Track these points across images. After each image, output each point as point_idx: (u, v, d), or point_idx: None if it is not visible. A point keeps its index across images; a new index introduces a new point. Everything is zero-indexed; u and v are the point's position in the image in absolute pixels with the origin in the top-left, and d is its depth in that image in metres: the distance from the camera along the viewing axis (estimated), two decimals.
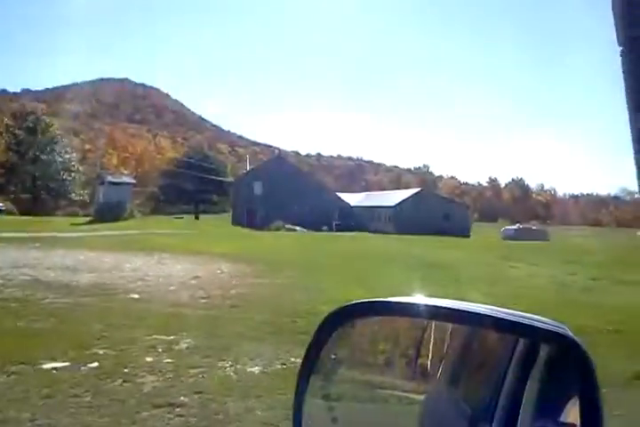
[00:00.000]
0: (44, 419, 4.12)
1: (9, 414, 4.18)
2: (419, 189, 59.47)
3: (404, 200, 50.90)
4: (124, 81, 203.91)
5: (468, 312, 0.93)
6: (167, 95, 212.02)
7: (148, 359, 5.81)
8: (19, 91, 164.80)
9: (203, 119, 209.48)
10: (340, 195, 59.16)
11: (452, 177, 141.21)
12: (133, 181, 49.68)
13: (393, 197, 53.51)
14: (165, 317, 7.91)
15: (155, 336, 6.73)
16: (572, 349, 0.82)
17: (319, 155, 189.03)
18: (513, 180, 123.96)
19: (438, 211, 49.66)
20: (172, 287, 10.51)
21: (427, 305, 1.00)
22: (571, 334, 0.83)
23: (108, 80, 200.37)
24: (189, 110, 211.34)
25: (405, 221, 46.03)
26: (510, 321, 0.89)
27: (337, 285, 11.05)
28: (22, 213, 49.00)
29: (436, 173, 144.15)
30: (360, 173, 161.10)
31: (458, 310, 0.95)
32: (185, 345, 6.45)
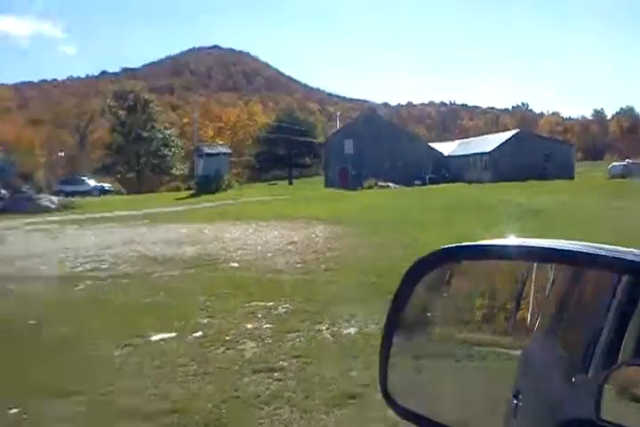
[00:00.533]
0: (155, 389, 4.45)
1: (126, 385, 4.55)
2: (516, 130, 56.31)
3: (500, 145, 48.33)
4: (213, 48, 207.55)
5: (563, 250, 0.89)
6: (256, 59, 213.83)
7: (249, 326, 6.07)
8: (118, 70, 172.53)
9: (292, 79, 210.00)
10: (433, 145, 57.44)
11: (554, 113, 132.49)
12: (229, 151, 50.91)
13: (489, 143, 51.00)
14: (264, 283, 8.19)
15: (254, 303, 7.01)
16: None
17: (410, 103, 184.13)
18: (621, 109, 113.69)
19: (538, 153, 46.76)
20: (269, 254, 10.83)
21: (519, 246, 0.97)
22: None
23: (199, 49, 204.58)
24: (279, 72, 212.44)
25: (503, 167, 43.94)
26: (608, 257, 0.83)
27: (434, 240, 10.88)
28: (129, 192, 52.11)
29: (537, 111, 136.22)
30: (454, 119, 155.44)
31: (552, 249, 0.91)
32: (283, 310, 6.67)
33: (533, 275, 1.04)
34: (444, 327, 1.16)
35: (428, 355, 1.13)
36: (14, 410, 4.13)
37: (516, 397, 0.99)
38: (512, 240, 1.01)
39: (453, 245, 1.03)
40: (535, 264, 1.03)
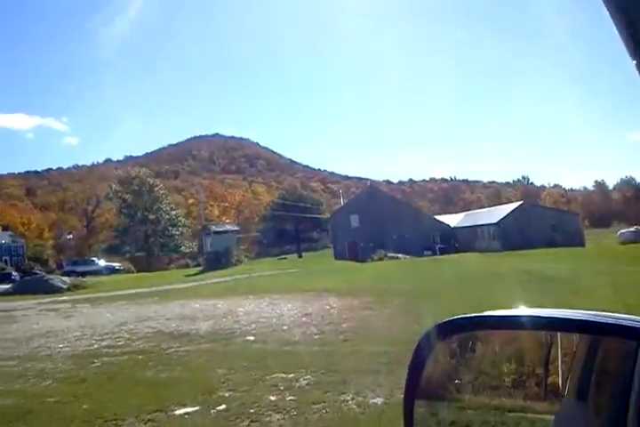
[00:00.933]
0: None
1: None
2: (520, 202, 57.18)
3: (506, 215, 49.01)
4: (215, 136, 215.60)
5: (571, 320, 0.92)
6: (257, 144, 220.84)
7: (272, 398, 5.95)
8: (122, 158, 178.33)
9: (293, 162, 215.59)
10: (438, 217, 58.26)
11: (556, 185, 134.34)
12: (236, 228, 51.83)
13: (494, 214, 51.75)
14: (282, 355, 8.08)
15: (275, 375, 6.89)
16: None
17: (411, 180, 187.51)
18: (622, 180, 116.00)
19: (545, 222, 47.30)
20: (284, 327, 10.73)
21: (530, 316, 0.99)
22: None
23: (200, 137, 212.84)
24: (280, 155, 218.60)
25: (511, 236, 44.28)
26: (628, 327, 0.87)
27: (450, 311, 10.80)
28: (138, 270, 52.39)
29: (538, 184, 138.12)
30: (456, 193, 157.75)
31: (561, 319, 0.94)
32: (305, 382, 6.55)
33: (559, 340, 1.06)
34: (471, 395, 1.14)
35: (455, 421, 1.13)
36: None
37: None
38: (521, 311, 1.03)
39: (463, 315, 1.07)
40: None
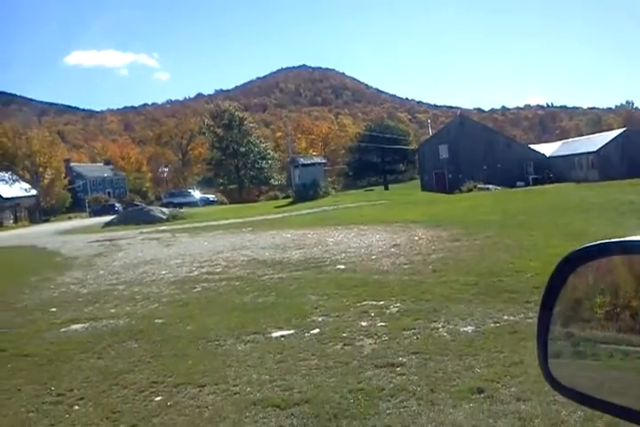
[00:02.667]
0: (281, 381, 4.62)
1: (252, 377, 4.75)
2: (623, 129, 53.17)
3: (607, 143, 45.88)
4: (301, 67, 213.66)
5: None
6: (343, 74, 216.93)
7: (363, 324, 6.14)
8: (212, 92, 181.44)
9: (380, 91, 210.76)
10: (532, 146, 55.57)
11: None
12: (324, 160, 52.11)
13: (594, 142, 48.52)
14: (372, 284, 8.24)
15: (365, 302, 7.08)
16: None
17: (504, 108, 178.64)
18: None
19: None
20: (373, 256, 10.88)
21: None
22: None
23: (288, 69, 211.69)
24: (366, 85, 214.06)
25: (611, 166, 41.61)
26: None
27: (541, 241, 10.50)
28: (231, 202, 54.48)
29: None
30: (553, 121, 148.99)
31: None
32: (395, 309, 6.68)
33: None
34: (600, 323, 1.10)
35: (589, 341, 1.09)
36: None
37: None
38: None
39: (605, 240, 1.02)
40: None
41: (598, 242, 1.04)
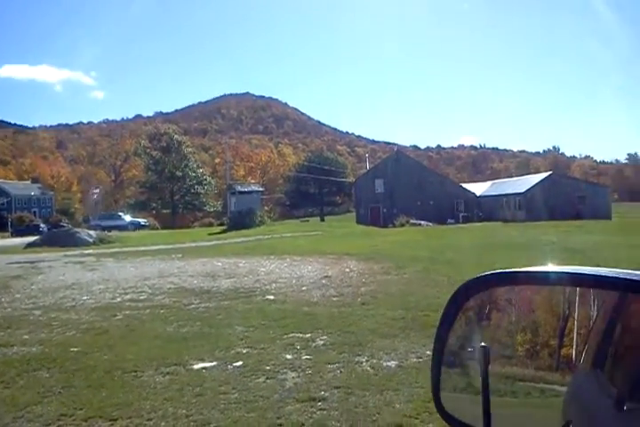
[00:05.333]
0: (198, 415, 4.46)
1: (168, 411, 4.57)
2: (549, 172, 56.23)
3: (533, 186, 48.36)
4: (245, 95, 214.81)
5: (598, 275, 0.91)
6: (286, 104, 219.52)
7: (288, 356, 6.06)
8: (152, 114, 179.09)
9: (321, 123, 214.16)
10: (464, 185, 57.69)
11: (587, 157, 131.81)
12: (261, 189, 52.10)
13: (521, 184, 51.07)
14: (301, 315, 8.18)
15: (292, 334, 7.01)
16: None
17: (439, 147, 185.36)
18: None
19: (572, 194, 46.56)
20: (304, 288, 10.84)
21: (558, 272, 0.99)
22: None
23: (232, 95, 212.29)
24: (308, 117, 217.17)
25: (537, 207, 43.76)
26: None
27: (468, 277, 10.77)
28: (164, 227, 53.25)
29: (569, 154, 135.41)
30: (485, 162, 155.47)
31: (586, 274, 0.93)
32: (321, 342, 6.64)
33: (576, 306, 1.03)
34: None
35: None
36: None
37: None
38: (553, 267, 1.03)
39: (498, 271, 1.07)
40: (577, 295, 1.03)
41: (487, 273, 1.07)
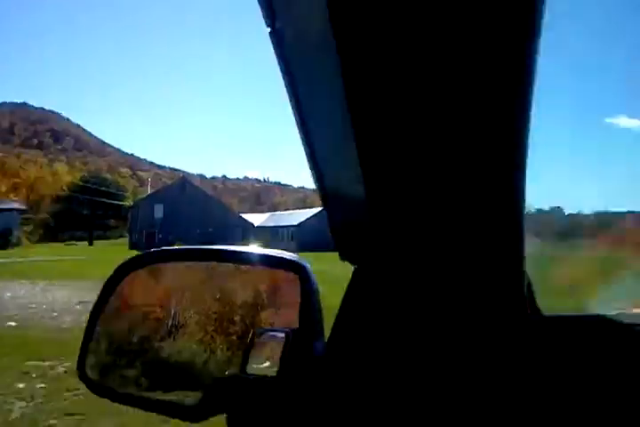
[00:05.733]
0: None
1: None
2: (321, 208, 60.65)
3: (307, 219, 51.52)
4: (23, 106, 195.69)
5: (230, 251, 0.98)
6: (68, 120, 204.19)
7: (21, 386, 5.60)
8: None
9: (105, 143, 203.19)
10: (244, 216, 59.16)
11: None
12: (23, 207, 47.24)
13: (296, 217, 54.17)
14: (45, 343, 7.62)
15: (30, 363, 6.49)
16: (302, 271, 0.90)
17: (225, 177, 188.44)
18: None
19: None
20: (55, 313, 10.11)
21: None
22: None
23: (6, 104, 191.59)
24: (90, 134, 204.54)
25: (308, 238, 46.49)
26: (263, 255, 0.96)
27: None
28: None
29: None
30: (267, 195, 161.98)
31: (225, 250, 0.98)
32: (62, 369, 6.24)
33: None
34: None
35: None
36: None
37: None
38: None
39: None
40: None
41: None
